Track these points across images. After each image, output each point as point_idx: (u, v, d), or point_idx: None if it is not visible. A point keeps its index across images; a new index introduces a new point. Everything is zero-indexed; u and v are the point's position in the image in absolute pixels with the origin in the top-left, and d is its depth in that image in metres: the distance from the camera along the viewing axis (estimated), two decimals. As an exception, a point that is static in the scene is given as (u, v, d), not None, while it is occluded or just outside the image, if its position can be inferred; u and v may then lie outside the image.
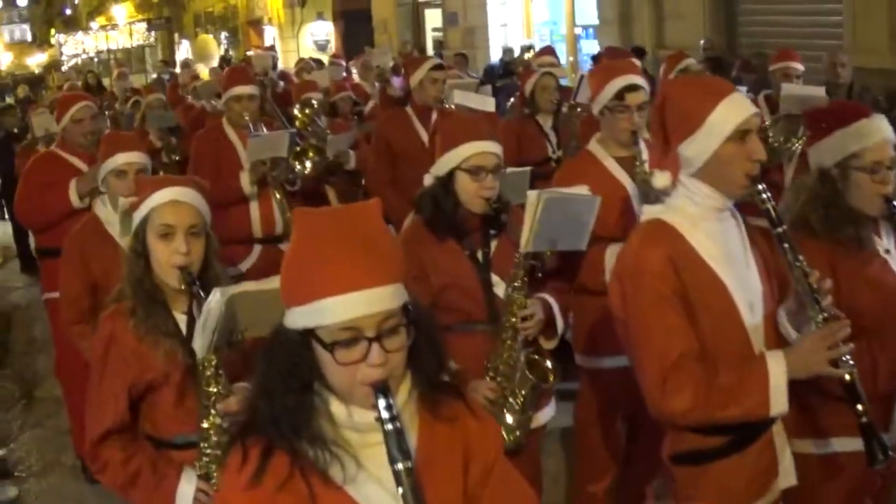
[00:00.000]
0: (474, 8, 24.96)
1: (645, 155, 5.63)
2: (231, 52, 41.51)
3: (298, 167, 8.27)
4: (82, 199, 7.38)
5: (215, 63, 30.01)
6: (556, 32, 24.24)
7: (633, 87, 5.68)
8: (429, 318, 2.62)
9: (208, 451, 3.92)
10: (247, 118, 7.97)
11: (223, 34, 44.90)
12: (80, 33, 60.05)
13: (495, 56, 23.23)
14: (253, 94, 8.09)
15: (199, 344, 3.73)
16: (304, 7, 37.75)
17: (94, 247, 5.95)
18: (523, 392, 4.79)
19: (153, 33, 53.52)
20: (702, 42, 16.95)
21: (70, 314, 6.03)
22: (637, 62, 8.75)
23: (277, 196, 7.74)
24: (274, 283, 3.13)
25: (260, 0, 41.32)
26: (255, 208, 7.75)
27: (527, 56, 10.92)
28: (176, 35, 51.88)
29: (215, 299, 3.62)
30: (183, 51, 48.98)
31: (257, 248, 7.73)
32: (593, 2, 22.54)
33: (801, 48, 15.91)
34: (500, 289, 4.87)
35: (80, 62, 48.76)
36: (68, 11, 73.56)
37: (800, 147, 8.60)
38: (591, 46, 22.77)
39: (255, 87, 8.19)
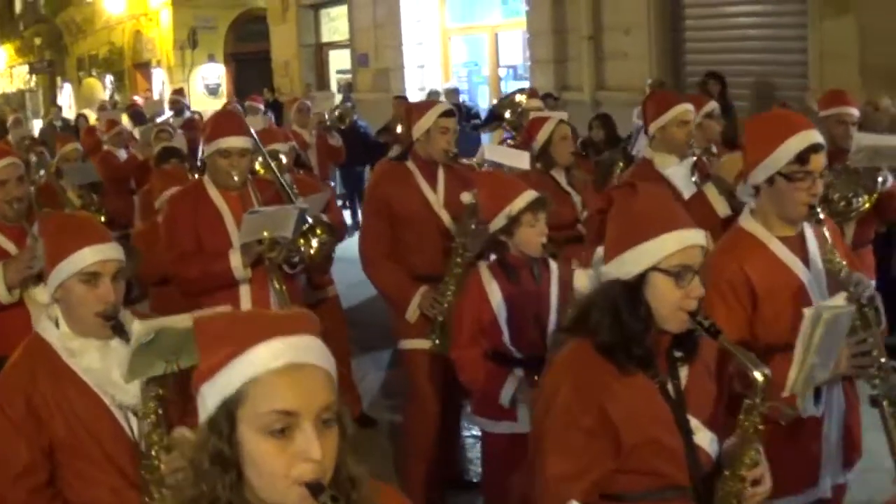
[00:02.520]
0: (387, 49, 23.40)
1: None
2: (117, 97, 39.68)
3: (304, 248, 6.65)
4: (11, 290, 5.60)
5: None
6: (477, 74, 22.85)
7: (817, 147, 4.34)
8: None
9: None
10: (236, 179, 6.37)
11: (108, 78, 42.82)
12: (-43, 77, 57.47)
13: (413, 99, 21.67)
14: (246, 147, 6.46)
15: None
16: (196, 49, 36.12)
17: (47, 388, 3.95)
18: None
19: (34, 77, 51.10)
20: (648, 82, 15.87)
21: (19, 494, 3.92)
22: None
23: (275, 282, 6.17)
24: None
25: (148, 42, 39.46)
26: (246, 293, 6.23)
27: (518, 98, 9.43)
28: (58, 79, 49.50)
29: None
30: (65, 95, 46.79)
31: (250, 344, 6.06)
32: (518, 41, 21.38)
33: (761, 87, 15.18)
34: (701, 438, 3.41)
35: (-45, 108, 46.31)
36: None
37: (868, 206, 7.33)
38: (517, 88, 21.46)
39: (248, 139, 6.56)
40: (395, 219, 6.86)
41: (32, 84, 52.15)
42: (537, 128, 7.93)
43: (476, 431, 8.04)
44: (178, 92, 22.43)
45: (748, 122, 4.86)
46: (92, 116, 24.22)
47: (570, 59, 18.48)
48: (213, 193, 6.44)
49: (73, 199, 9.25)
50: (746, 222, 4.50)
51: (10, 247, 5.86)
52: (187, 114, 19.11)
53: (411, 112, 7.00)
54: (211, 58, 36.61)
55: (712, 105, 8.55)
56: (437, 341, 6.69)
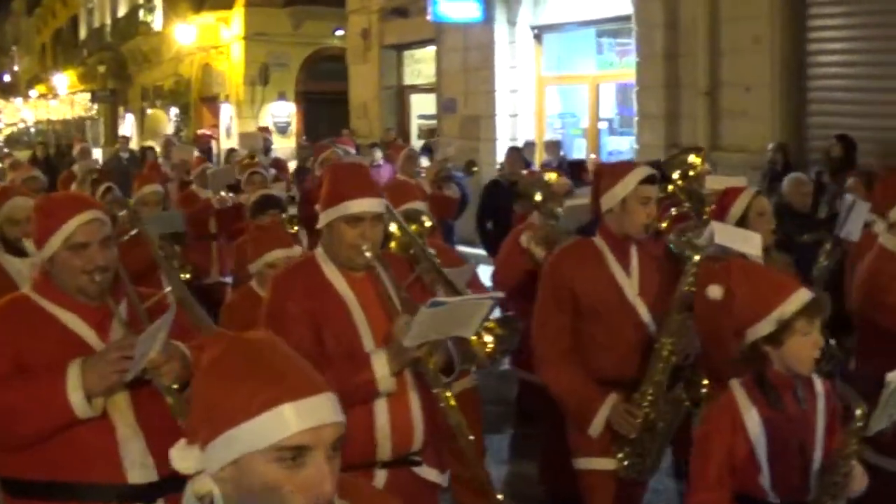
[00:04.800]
0: (477, 94, 22.05)
1: None
2: (182, 130, 38.88)
3: (477, 348, 5.03)
4: (92, 400, 3.95)
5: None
6: (574, 126, 21.53)
7: None
8: None
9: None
10: (368, 255, 4.67)
11: (173, 110, 41.91)
12: (18, 100, 57.04)
13: (504, 150, 20.32)
14: (380, 213, 4.80)
15: None
16: (267, 85, 35.27)
17: None
18: None
19: (96, 105, 50.32)
20: (770, 145, 14.60)
21: None
22: None
23: (444, 394, 4.60)
24: None
25: (217, 76, 38.57)
26: (383, 412, 4.63)
27: (692, 158, 7.97)
28: (121, 108, 48.65)
29: None
30: (128, 125, 46.02)
31: (381, 475, 4.66)
32: (611, 94, 20.65)
33: (891, 156, 13.82)
34: None
35: (16, 131, 45.90)
36: (7, 78, 70.42)
37: None
38: (617, 143, 20.24)
39: (381, 201, 4.86)
40: (579, 309, 5.60)
41: (94, 112, 51.44)
42: (731, 199, 6.58)
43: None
44: (264, 129, 21.03)
45: None
46: (157, 149, 23.13)
47: (683, 116, 17.21)
48: (332, 274, 4.78)
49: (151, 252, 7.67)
50: None
51: (91, 336, 4.20)
52: (273, 153, 17.80)
53: (602, 175, 5.68)
54: (282, 95, 35.92)
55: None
56: (626, 463, 5.41)
